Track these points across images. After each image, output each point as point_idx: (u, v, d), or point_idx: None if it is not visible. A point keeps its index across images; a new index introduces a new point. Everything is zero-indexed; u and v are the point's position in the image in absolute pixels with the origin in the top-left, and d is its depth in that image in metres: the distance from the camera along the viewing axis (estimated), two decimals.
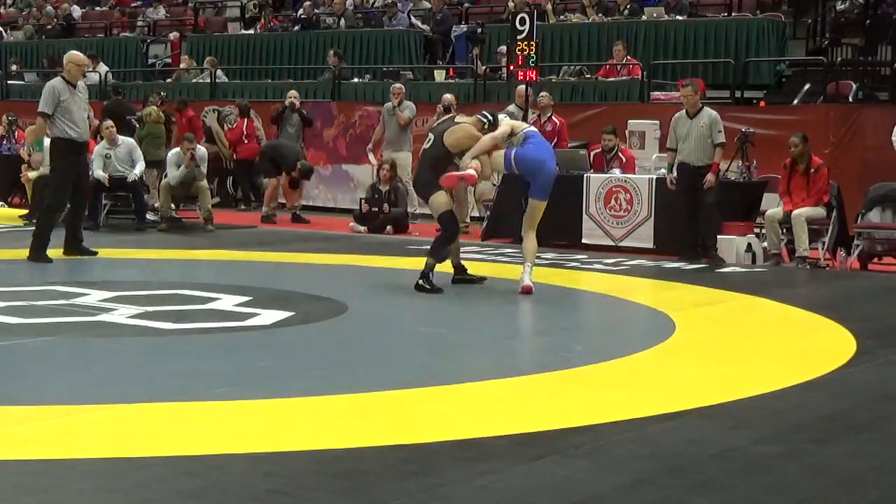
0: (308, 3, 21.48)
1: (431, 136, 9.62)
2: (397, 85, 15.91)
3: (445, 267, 9.61)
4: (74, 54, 11.12)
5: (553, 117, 14.12)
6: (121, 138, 14.11)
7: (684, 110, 11.79)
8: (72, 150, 10.72)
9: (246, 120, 17.36)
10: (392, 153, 15.37)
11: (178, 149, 14.37)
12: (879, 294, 10.06)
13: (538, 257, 11.02)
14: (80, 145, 10.87)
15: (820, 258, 11.57)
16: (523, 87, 13.89)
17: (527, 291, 9.16)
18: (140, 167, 13.93)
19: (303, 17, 21.27)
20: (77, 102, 10.80)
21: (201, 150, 14.40)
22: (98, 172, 13.61)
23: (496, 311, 8.84)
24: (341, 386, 5.80)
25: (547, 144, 9.93)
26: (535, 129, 10.06)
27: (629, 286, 10.09)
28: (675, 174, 11.81)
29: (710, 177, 11.51)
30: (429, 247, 9.54)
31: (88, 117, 17.25)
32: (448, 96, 14.98)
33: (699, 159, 11.58)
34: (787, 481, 4.40)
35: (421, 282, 9.21)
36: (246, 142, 17.28)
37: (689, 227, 11.80)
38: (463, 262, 9.86)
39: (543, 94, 14.27)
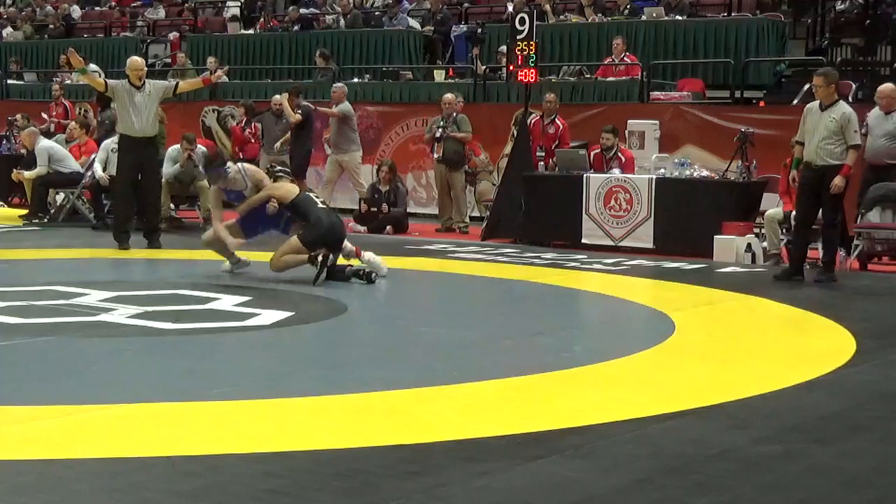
0: (291, 8, 21.50)
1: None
2: (339, 84, 15.71)
3: (447, 266, 9.60)
4: (130, 60, 12.21)
5: (556, 119, 14.08)
6: None
7: (818, 101, 10.38)
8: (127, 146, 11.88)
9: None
10: (336, 156, 15.09)
11: (178, 146, 14.34)
12: (879, 294, 10.05)
13: (538, 256, 11.01)
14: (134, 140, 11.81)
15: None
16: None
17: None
18: None
19: (287, 20, 21.28)
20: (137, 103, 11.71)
21: (201, 149, 14.36)
22: (98, 172, 13.60)
23: (496, 310, 8.84)
24: (341, 386, 5.80)
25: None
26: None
27: (629, 286, 10.08)
28: (797, 171, 10.50)
29: (837, 180, 9.99)
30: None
31: (86, 116, 17.33)
32: (449, 96, 14.88)
33: (820, 158, 10.13)
34: (786, 481, 4.40)
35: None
36: (253, 141, 17.25)
37: (798, 236, 10.62)
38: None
39: (550, 95, 14.21)
